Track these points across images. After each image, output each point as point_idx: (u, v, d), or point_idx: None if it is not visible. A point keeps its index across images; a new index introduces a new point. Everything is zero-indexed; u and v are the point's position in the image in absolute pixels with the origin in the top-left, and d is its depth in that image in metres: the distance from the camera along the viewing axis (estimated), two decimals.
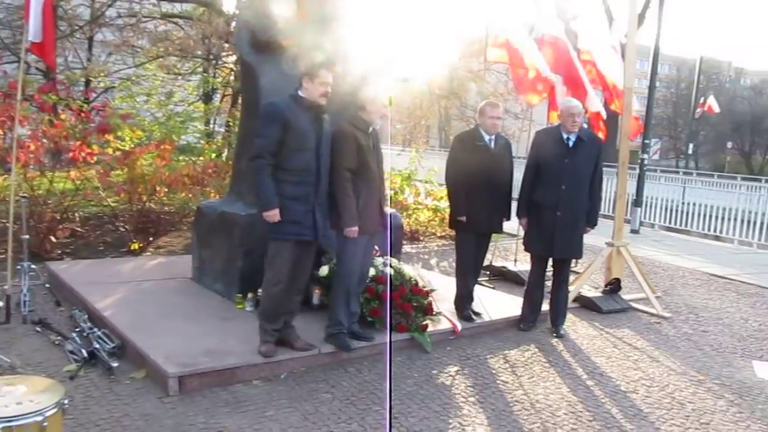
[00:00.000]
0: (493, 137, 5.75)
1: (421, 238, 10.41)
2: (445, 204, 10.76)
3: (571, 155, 5.63)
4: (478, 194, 5.60)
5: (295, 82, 4.49)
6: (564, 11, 8.68)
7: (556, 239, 5.61)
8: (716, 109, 23.81)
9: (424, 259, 8.78)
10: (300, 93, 4.45)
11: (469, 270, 5.92)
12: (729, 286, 8.40)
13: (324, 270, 5.47)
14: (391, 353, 4.92)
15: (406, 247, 9.50)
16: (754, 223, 12.71)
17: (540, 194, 5.70)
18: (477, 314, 5.85)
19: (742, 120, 43.84)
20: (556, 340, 5.68)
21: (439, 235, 10.61)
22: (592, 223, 5.84)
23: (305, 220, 4.44)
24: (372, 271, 5.35)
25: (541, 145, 5.84)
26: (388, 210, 6.69)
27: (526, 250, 6.00)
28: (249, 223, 5.56)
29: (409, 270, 5.72)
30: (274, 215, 4.33)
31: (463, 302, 5.88)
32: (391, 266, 5.48)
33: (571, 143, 5.66)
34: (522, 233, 6.06)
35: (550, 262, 5.89)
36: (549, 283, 5.98)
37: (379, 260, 5.52)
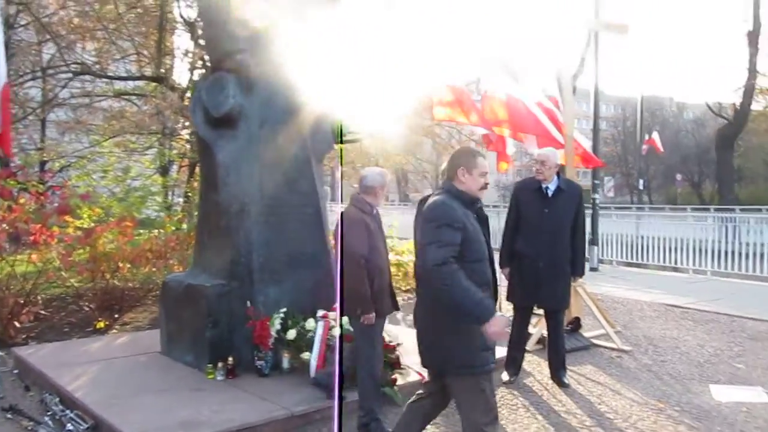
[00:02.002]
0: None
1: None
2: (407, 258, 10.99)
3: (549, 204, 5.66)
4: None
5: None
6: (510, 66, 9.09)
7: (541, 289, 5.62)
8: (659, 146, 24.68)
9: (390, 315, 8.90)
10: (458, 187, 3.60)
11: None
12: (685, 315, 8.70)
13: (291, 333, 5.59)
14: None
15: None
16: (706, 251, 13.17)
17: (521, 244, 5.73)
18: None
19: (689, 152, 45.42)
20: (525, 381, 5.84)
21: (404, 289, 10.76)
22: (579, 272, 5.92)
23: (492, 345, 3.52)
24: (338, 331, 5.49)
25: (520, 195, 5.88)
26: None
27: (508, 299, 5.94)
28: (215, 294, 5.69)
29: None
30: (502, 323, 3.27)
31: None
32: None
33: (549, 192, 5.69)
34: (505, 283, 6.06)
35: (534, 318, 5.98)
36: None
37: (344, 319, 5.66)
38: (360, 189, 4.83)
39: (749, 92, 24.68)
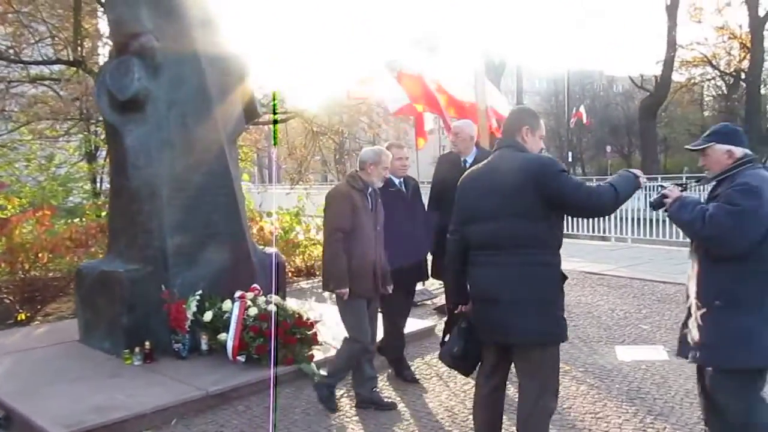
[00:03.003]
0: (402, 180, 5.42)
1: (317, 273, 10.61)
2: None
3: None
4: (394, 242, 5.01)
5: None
6: (423, 42, 9.18)
7: None
8: (584, 118, 25.33)
9: (317, 293, 8.99)
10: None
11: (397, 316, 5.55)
12: (602, 281, 9.06)
13: (208, 315, 5.62)
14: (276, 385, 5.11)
15: (302, 283, 9.72)
16: (630, 219, 13.66)
17: (442, 216, 5.51)
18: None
19: (618, 124, 46.70)
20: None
21: None
22: None
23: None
24: (255, 310, 5.55)
25: (439, 167, 5.92)
26: (269, 250, 6.96)
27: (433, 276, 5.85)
28: (130, 279, 5.67)
29: (292, 305, 5.96)
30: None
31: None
32: (273, 303, 5.68)
33: (467, 164, 5.54)
34: None
35: None
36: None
37: (261, 299, 5.72)
38: (357, 165, 4.83)
39: (669, 64, 25.55)
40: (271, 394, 4.87)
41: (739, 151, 3.23)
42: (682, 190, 3.36)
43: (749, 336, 3.10)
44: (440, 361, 3.86)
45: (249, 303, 5.64)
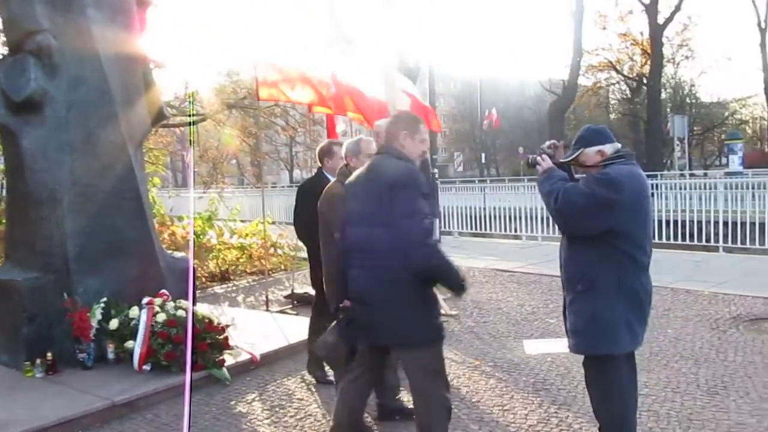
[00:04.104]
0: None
1: (231, 277, 10.47)
2: (251, 240, 10.95)
3: None
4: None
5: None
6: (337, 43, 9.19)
7: None
8: (495, 120, 26.01)
9: (231, 297, 8.89)
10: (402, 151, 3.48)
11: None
12: (512, 278, 9.31)
13: (114, 323, 5.46)
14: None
15: (216, 288, 9.56)
16: (540, 219, 14.07)
17: None
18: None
19: (530, 127, 48.16)
20: None
21: (249, 271, 10.72)
22: None
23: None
24: (163, 316, 5.43)
25: None
26: (178, 255, 6.82)
27: None
28: (29, 288, 5.44)
29: (203, 310, 5.86)
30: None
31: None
32: (183, 308, 5.56)
33: None
34: None
35: None
36: None
37: (170, 305, 5.60)
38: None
39: (575, 69, 26.54)
40: (186, 399, 4.77)
41: (609, 148, 3.40)
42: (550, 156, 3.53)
43: (604, 322, 3.28)
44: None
45: (157, 309, 5.51)
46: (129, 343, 5.38)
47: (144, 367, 5.25)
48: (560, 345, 5.82)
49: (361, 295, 3.35)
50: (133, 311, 5.52)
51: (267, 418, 4.61)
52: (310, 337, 5.34)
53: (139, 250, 5.97)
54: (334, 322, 3.73)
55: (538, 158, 3.52)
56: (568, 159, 3.50)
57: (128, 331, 5.45)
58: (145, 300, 5.59)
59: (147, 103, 6.23)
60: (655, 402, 4.50)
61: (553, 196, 3.28)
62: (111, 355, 5.51)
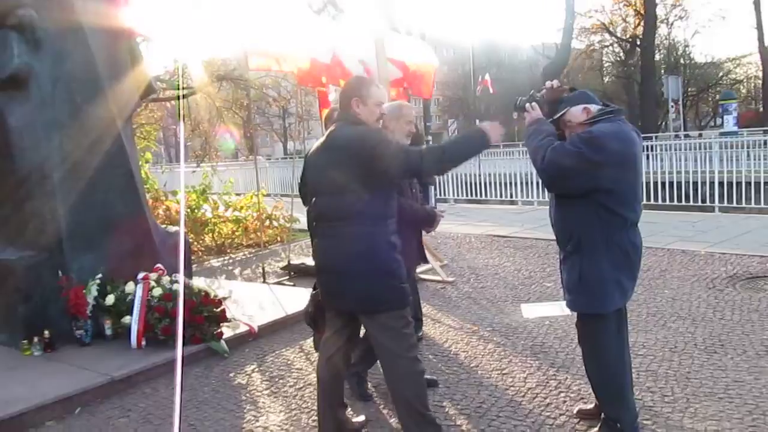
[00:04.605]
0: None
1: (228, 250, 10.45)
2: (246, 213, 10.91)
3: None
4: None
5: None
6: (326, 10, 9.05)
7: None
8: (490, 86, 25.84)
9: (228, 270, 8.87)
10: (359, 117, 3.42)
11: None
12: (508, 243, 9.31)
13: (110, 299, 5.44)
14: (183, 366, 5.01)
15: (213, 262, 9.54)
16: (536, 183, 14.04)
17: None
18: None
19: (523, 91, 47.40)
20: None
21: (245, 244, 10.71)
22: None
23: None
24: (159, 291, 5.42)
25: None
26: (172, 229, 6.79)
27: None
28: (24, 267, 5.41)
29: (198, 283, 5.84)
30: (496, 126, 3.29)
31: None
32: (178, 282, 5.54)
33: None
34: None
35: None
36: None
37: (165, 279, 5.58)
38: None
39: (568, 31, 26.28)
40: (177, 372, 4.77)
41: (594, 107, 3.34)
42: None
43: (593, 282, 3.27)
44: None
45: (153, 284, 5.49)
46: (126, 319, 5.37)
47: (142, 342, 5.24)
48: (558, 308, 5.84)
49: (329, 264, 3.40)
50: (129, 287, 5.50)
51: (266, 389, 4.61)
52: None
53: (133, 226, 5.92)
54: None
55: (527, 105, 3.43)
56: (554, 117, 3.44)
57: (125, 306, 5.43)
58: (141, 275, 5.56)
59: (135, 77, 6.13)
60: (653, 362, 4.51)
61: (540, 153, 3.22)
62: (108, 332, 5.50)
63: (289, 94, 18.28)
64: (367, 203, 3.23)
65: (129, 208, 5.92)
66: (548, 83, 3.52)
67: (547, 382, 4.33)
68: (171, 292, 5.42)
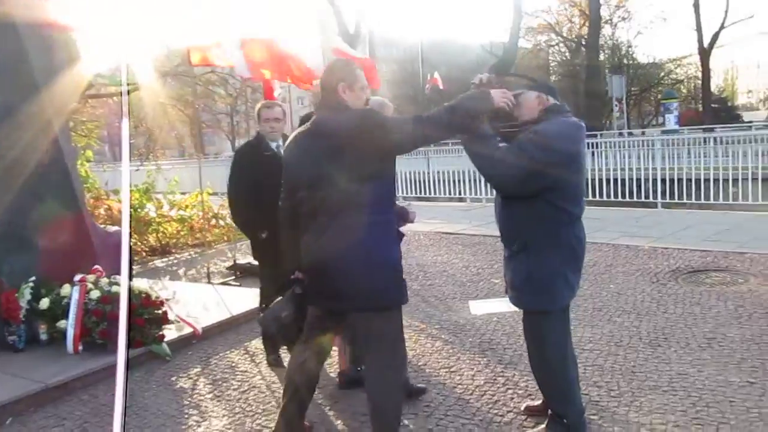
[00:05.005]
0: (280, 143, 4.82)
1: (173, 250, 10.20)
2: (192, 212, 10.66)
3: None
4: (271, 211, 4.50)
5: None
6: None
7: None
8: (440, 83, 25.91)
9: (172, 271, 8.65)
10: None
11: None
12: (456, 241, 9.32)
13: (45, 302, 5.21)
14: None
15: (157, 262, 9.30)
16: (484, 181, 14.10)
17: None
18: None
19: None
20: None
21: (190, 244, 10.47)
22: None
23: None
24: (97, 293, 5.21)
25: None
26: (111, 229, 6.56)
27: None
28: None
29: (139, 285, 5.65)
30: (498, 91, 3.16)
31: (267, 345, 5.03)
32: (117, 284, 5.35)
33: None
34: None
35: None
36: None
37: (104, 281, 5.38)
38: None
39: (516, 31, 26.56)
40: (120, 377, 4.60)
41: (550, 99, 3.33)
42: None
43: (541, 281, 3.25)
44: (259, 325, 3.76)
45: (90, 286, 5.29)
46: (61, 323, 5.15)
47: (79, 347, 5.04)
48: (505, 304, 5.79)
49: (323, 262, 3.11)
50: (65, 289, 5.28)
51: (209, 393, 4.48)
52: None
53: (69, 226, 5.69)
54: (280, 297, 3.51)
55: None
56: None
57: (60, 310, 5.21)
58: (78, 277, 5.35)
59: (72, 72, 5.90)
60: (599, 356, 4.54)
61: (487, 161, 3.17)
62: (43, 336, 5.28)
63: (236, 92, 18.04)
64: (371, 191, 3.03)
65: (65, 207, 5.69)
66: (477, 77, 3.39)
67: (495, 379, 4.31)
68: (109, 295, 5.22)
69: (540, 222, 3.20)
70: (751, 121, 33.99)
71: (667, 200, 11.76)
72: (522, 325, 3.56)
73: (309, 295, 3.28)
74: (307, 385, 3.39)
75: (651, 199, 12.01)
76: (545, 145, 3.10)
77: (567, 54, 43.36)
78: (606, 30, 40.62)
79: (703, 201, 11.24)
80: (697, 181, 11.66)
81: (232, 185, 4.96)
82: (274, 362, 4.87)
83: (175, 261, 9.40)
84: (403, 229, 3.81)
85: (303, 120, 5.68)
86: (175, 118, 13.85)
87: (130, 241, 8.09)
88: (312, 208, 3.14)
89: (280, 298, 3.50)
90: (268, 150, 4.84)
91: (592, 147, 14.42)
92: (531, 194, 3.16)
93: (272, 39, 7.38)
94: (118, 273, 5.57)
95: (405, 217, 4.19)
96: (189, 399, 4.39)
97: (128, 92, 11.86)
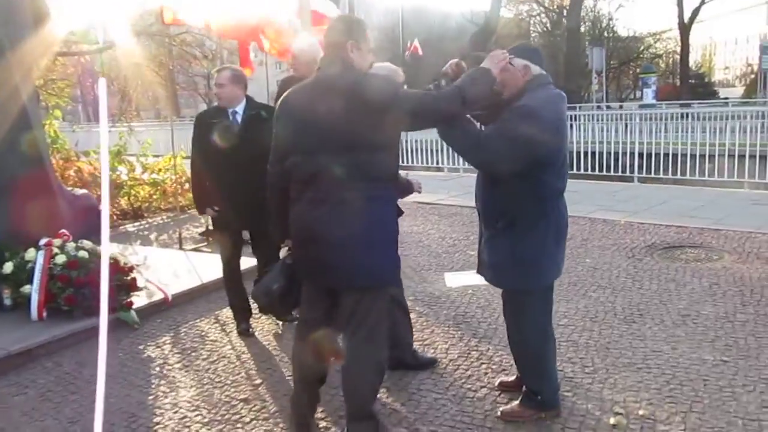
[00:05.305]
0: (238, 110, 4.57)
1: (145, 214, 10.01)
2: (165, 176, 10.44)
3: None
4: (222, 185, 4.53)
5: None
6: None
7: None
8: (420, 51, 25.68)
9: (143, 236, 8.47)
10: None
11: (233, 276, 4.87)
12: (433, 210, 9.25)
13: (8, 267, 5.07)
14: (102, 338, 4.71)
15: (128, 226, 9.11)
16: None
17: None
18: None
19: (451, 57, 47.82)
20: None
21: (163, 208, 10.27)
22: None
23: None
24: (63, 258, 5.07)
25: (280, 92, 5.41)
26: (79, 192, 6.38)
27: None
28: None
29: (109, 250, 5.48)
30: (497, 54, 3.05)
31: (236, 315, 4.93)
32: (85, 249, 5.20)
33: None
34: None
35: None
36: None
37: (70, 245, 5.22)
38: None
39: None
40: (102, 344, 4.48)
41: (535, 69, 3.19)
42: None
43: (528, 259, 3.17)
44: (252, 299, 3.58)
45: (56, 250, 5.13)
46: (26, 288, 5.00)
47: (43, 313, 4.89)
48: (480, 277, 5.79)
49: (315, 233, 2.90)
50: (30, 253, 5.13)
51: (178, 362, 4.38)
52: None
53: (35, 188, 5.51)
54: (271, 267, 3.38)
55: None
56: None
57: (25, 275, 5.07)
58: (43, 241, 5.19)
59: (40, 30, 5.67)
60: (573, 332, 4.51)
61: (472, 147, 3.04)
62: (7, 302, 5.13)
63: (212, 53, 17.63)
64: (378, 162, 2.84)
65: (29, 169, 5.50)
66: (451, 62, 3.21)
67: (469, 353, 4.26)
68: (76, 260, 5.08)
69: (525, 199, 3.10)
70: (727, 98, 34.25)
71: (644, 175, 11.76)
72: (498, 299, 3.50)
73: (299, 269, 3.12)
74: (319, 364, 3.21)
75: (628, 173, 12.01)
76: (532, 119, 2.98)
77: (548, 24, 43.19)
78: (587, 2, 40.51)
79: (679, 176, 11.27)
80: (674, 156, 11.68)
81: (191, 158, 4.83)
82: (244, 332, 4.79)
83: (147, 225, 9.22)
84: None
85: (283, 84, 5.51)
86: (149, 79, 13.46)
87: (99, 204, 7.93)
88: (308, 175, 2.90)
89: (270, 269, 3.37)
90: (215, 117, 4.62)
91: (571, 120, 14.36)
92: (520, 172, 3.05)
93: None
94: (86, 237, 5.43)
95: (409, 189, 4.00)
96: (156, 369, 4.29)
97: (101, 51, 11.55)
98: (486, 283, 3.51)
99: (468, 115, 3.12)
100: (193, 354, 4.50)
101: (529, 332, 3.32)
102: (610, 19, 44.48)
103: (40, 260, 5.02)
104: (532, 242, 3.14)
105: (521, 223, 3.13)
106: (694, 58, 51.46)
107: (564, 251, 3.36)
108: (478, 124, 3.19)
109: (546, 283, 3.29)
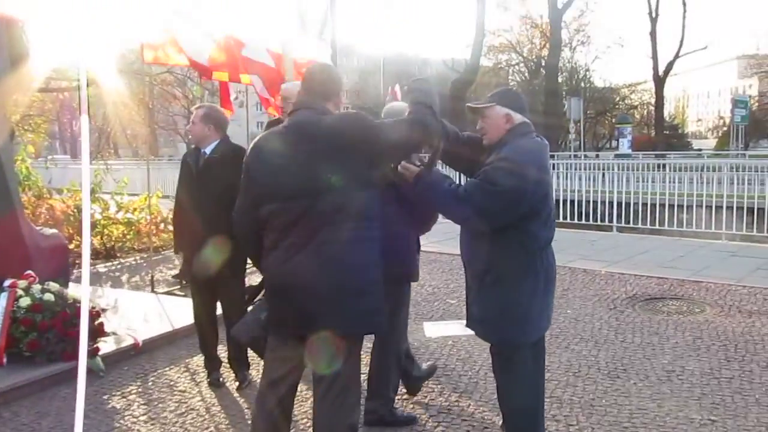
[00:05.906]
0: (207, 151, 4.41)
1: (118, 254, 9.77)
2: (140, 216, 10.23)
3: None
4: (190, 228, 4.41)
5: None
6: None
7: None
8: (399, 96, 25.92)
9: (114, 277, 8.24)
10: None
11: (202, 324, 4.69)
12: None
13: None
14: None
15: (99, 267, 8.86)
16: None
17: None
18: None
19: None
20: None
21: (137, 248, 10.04)
22: None
23: None
24: (28, 300, 4.85)
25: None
26: (48, 231, 6.18)
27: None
28: None
29: (74, 292, 5.28)
30: None
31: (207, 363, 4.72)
32: (51, 291, 4.99)
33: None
34: None
35: None
36: None
37: (36, 287, 5.01)
38: None
39: (478, 48, 26.74)
40: (80, 395, 4.26)
41: (517, 117, 3.13)
42: (419, 166, 3.06)
43: (518, 314, 3.08)
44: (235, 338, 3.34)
45: (20, 292, 4.91)
46: None
47: (3, 359, 4.65)
48: (460, 327, 5.63)
49: (299, 283, 2.71)
50: None
51: (144, 414, 4.16)
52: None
53: (1, 228, 5.30)
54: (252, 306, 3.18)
55: (400, 168, 3.07)
56: (477, 106, 3.21)
57: None
58: (7, 282, 4.97)
59: (17, 67, 5.55)
60: (557, 387, 4.38)
61: (451, 204, 2.98)
62: None
63: (192, 93, 17.57)
64: (362, 201, 2.70)
65: None
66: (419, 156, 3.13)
67: (450, 409, 4.10)
68: (41, 303, 4.86)
69: (516, 252, 3.02)
70: (700, 149, 34.86)
71: (622, 224, 11.79)
72: (479, 351, 3.38)
73: (271, 319, 2.92)
74: (282, 410, 2.97)
75: (607, 222, 12.03)
76: (514, 169, 2.91)
77: (526, 74, 43.86)
78: (565, 53, 41.31)
79: (657, 226, 11.31)
80: (653, 206, 11.75)
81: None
82: (216, 382, 4.58)
83: (119, 266, 8.98)
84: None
85: (268, 127, 5.33)
86: (128, 118, 13.34)
87: (71, 243, 7.71)
88: (287, 222, 2.74)
89: (251, 307, 3.17)
90: (189, 156, 4.57)
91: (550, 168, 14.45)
92: (507, 225, 2.97)
93: (230, 37, 7.10)
94: (52, 279, 5.22)
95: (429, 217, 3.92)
96: (120, 421, 4.06)
97: (79, 88, 11.46)
98: (466, 333, 3.40)
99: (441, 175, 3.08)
100: (161, 405, 4.29)
101: (519, 389, 3.20)
102: (587, 70, 45.36)
103: (2, 303, 4.79)
104: (522, 296, 3.05)
105: (510, 277, 3.04)
106: (668, 110, 52.44)
107: (553, 301, 3.26)
108: (457, 179, 3.13)
109: (537, 336, 3.20)
